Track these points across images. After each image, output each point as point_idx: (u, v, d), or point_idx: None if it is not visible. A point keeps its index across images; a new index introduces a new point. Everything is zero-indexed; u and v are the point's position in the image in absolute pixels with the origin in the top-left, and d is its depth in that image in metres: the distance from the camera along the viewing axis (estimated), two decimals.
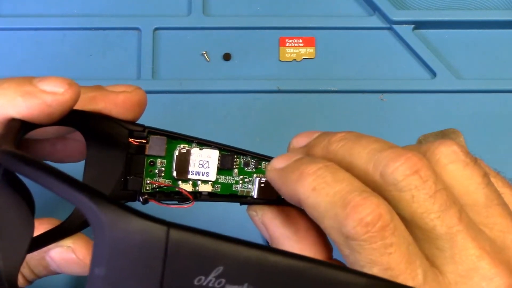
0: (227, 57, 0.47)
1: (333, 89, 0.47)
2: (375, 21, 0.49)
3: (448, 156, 0.25)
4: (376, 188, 0.25)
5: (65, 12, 0.48)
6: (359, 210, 0.23)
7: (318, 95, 0.46)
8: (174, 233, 0.21)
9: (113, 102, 0.28)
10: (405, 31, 0.48)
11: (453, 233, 0.23)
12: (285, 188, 0.26)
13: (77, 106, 0.27)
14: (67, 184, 0.21)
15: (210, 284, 0.21)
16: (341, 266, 0.23)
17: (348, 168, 0.26)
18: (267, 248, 0.22)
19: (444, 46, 0.48)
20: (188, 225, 0.21)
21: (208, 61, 0.47)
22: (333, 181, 0.24)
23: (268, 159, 0.30)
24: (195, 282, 0.21)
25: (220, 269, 0.21)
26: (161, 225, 0.21)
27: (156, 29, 0.48)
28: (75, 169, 0.29)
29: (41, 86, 0.26)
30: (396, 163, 0.24)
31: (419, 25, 0.48)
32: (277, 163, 0.27)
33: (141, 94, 0.29)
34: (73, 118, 0.27)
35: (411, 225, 0.24)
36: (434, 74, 0.47)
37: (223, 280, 0.21)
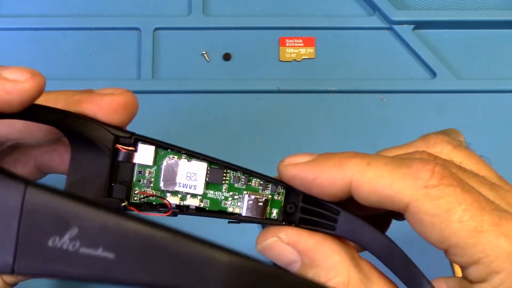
0: (227, 57, 0.47)
1: (333, 89, 0.47)
2: (375, 21, 0.49)
3: None
4: None
5: (65, 12, 0.48)
6: None
7: (318, 95, 0.46)
8: (32, 191, 0.21)
9: (98, 104, 0.27)
10: (405, 31, 0.48)
11: None
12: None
13: (63, 108, 0.27)
14: None
15: (65, 246, 0.21)
16: (207, 241, 0.22)
17: None
18: (127, 214, 0.21)
19: (444, 46, 0.48)
20: (48, 185, 0.21)
21: (208, 61, 0.47)
22: None
23: (261, 176, 0.28)
24: (49, 243, 0.21)
25: (75, 231, 0.21)
26: (19, 182, 0.21)
27: (156, 29, 0.48)
28: None
29: (3, 73, 0.26)
30: None
31: (419, 25, 0.48)
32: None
33: (129, 96, 0.28)
34: (55, 117, 0.27)
35: None
36: (434, 74, 0.47)
37: (78, 243, 0.21)
